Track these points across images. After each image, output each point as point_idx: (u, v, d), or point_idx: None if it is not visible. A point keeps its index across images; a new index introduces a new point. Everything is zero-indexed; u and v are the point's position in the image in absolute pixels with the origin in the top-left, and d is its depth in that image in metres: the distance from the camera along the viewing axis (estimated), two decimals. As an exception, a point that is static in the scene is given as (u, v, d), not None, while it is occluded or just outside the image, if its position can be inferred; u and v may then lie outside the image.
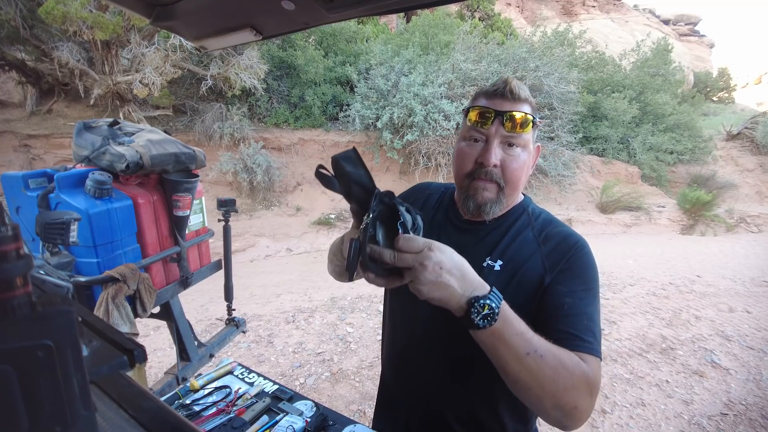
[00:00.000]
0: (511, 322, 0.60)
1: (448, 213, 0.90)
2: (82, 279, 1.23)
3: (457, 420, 0.83)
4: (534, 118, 0.76)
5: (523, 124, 0.75)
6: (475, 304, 0.57)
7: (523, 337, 0.60)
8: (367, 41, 10.58)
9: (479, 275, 0.77)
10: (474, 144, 0.79)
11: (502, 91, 0.76)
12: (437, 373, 0.84)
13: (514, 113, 0.75)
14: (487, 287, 0.60)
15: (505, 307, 0.60)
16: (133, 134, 1.50)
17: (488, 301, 0.58)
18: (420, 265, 0.56)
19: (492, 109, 0.76)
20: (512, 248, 0.79)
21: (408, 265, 0.57)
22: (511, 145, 0.77)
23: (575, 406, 0.61)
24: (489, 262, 0.79)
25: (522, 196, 0.89)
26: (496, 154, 0.76)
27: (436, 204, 0.94)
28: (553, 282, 0.74)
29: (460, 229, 0.85)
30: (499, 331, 0.58)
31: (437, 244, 0.58)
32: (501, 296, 0.60)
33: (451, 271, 0.58)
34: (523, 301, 0.75)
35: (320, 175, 0.65)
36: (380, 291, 3.47)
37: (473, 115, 0.78)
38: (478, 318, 0.57)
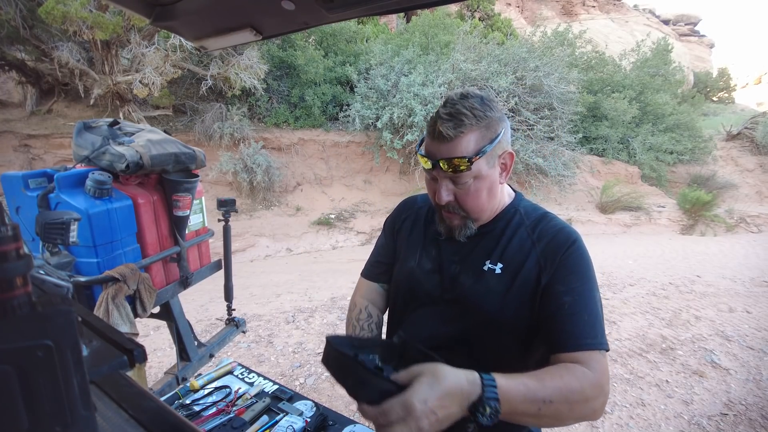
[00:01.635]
0: (513, 396, 0.59)
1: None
2: (82, 279, 1.23)
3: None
4: (471, 156, 0.73)
5: (461, 167, 0.74)
6: (477, 413, 0.57)
7: (529, 397, 0.61)
8: (367, 41, 10.58)
9: (481, 278, 0.81)
10: (431, 180, 0.83)
11: (434, 132, 0.76)
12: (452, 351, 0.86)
13: (446, 162, 0.75)
14: (478, 384, 0.57)
15: (503, 387, 0.59)
16: (133, 134, 1.50)
17: (486, 402, 0.57)
18: (416, 428, 0.53)
19: (428, 158, 0.77)
20: (509, 250, 0.81)
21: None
22: (458, 181, 0.78)
23: (592, 410, 0.66)
24: (489, 265, 0.82)
25: (512, 195, 0.90)
26: (446, 193, 0.79)
27: (426, 218, 0.97)
28: (551, 281, 0.76)
29: (455, 239, 0.87)
30: (507, 411, 0.59)
31: (411, 396, 0.54)
32: (494, 381, 0.58)
33: (443, 404, 0.55)
34: (526, 301, 0.78)
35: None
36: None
37: (420, 159, 0.81)
38: (485, 419, 0.57)
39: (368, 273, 1.06)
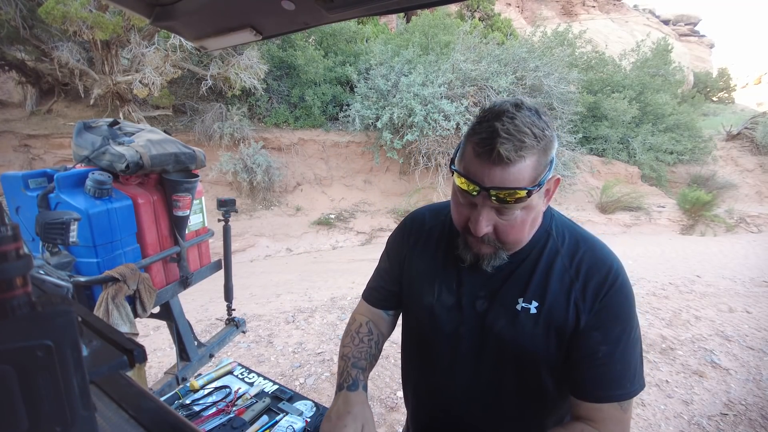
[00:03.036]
0: None
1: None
2: (82, 279, 1.23)
3: None
4: (530, 187, 0.62)
5: (517, 200, 0.62)
6: None
7: None
8: (367, 41, 10.58)
9: (516, 319, 0.73)
10: (464, 202, 0.69)
11: (490, 154, 0.61)
12: (473, 395, 0.82)
13: (500, 194, 0.62)
14: None
15: None
16: (133, 134, 1.50)
17: None
18: None
19: (475, 183, 0.63)
20: (546, 287, 0.71)
21: None
22: (504, 212, 0.66)
23: None
24: (523, 304, 0.72)
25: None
26: (486, 223, 0.66)
27: (438, 241, 0.83)
28: (588, 326, 0.68)
29: (476, 268, 0.74)
30: None
31: None
32: None
33: None
34: (564, 342, 0.71)
35: None
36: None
37: (458, 179, 0.66)
38: None
39: (370, 298, 0.96)
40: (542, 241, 0.74)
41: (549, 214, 0.77)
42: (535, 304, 0.71)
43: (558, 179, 0.70)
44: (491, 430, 0.82)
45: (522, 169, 0.61)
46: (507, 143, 0.59)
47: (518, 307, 0.72)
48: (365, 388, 0.82)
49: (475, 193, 0.64)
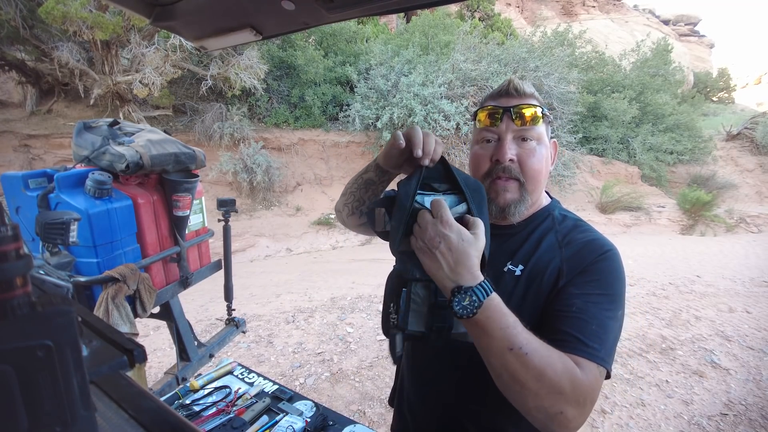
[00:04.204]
0: (498, 317, 0.58)
1: None
2: (82, 279, 1.23)
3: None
4: (543, 109, 0.77)
5: (534, 119, 0.75)
6: (458, 294, 0.58)
7: (508, 332, 0.58)
8: (367, 41, 10.58)
9: (499, 280, 0.75)
10: (487, 145, 0.79)
11: (507, 90, 0.78)
12: (459, 382, 0.82)
13: (522, 107, 0.75)
14: (479, 279, 0.59)
15: (494, 302, 0.59)
16: (133, 134, 1.50)
17: (471, 293, 0.57)
18: (431, 228, 0.60)
19: (499, 107, 0.76)
20: (533, 253, 0.76)
21: (423, 225, 0.61)
22: (525, 139, 0.77)
23: (560, 411, 0.58)
24: (510, 266, 0.77)
25: (548, 199, 0.87)
26: (510, 150, 0.76)
27: None
28: (567, 284, 0.71)
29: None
30: (481, 323, 0.58)
31: (466, 227, 0.61)
32: (491, 290, 0.59)
33: (445, 252, 0.59)
34: (540, 306, 0.73)
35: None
36: (380, 291, 3.47)
37: (482, 116, 0.78)
38: (458, 306, 0.58)
39: None
40: (541, 218, 0.81)
41: (555, 203, 0.87)
42: (520, 267, 0.76)
43: (555, 142, 0.84)
44: (464, 395, 0.83)
45: (533, 100, 0.77)
46: (520, 83, 0.78)
47: (505, 269, 0.77)
48: None
49: (498, 117, 0.76)
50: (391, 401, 1.02)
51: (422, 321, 0.64)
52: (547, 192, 0.87)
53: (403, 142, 0.68)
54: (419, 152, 0.66)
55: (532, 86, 0.79)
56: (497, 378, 0.62)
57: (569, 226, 0.79)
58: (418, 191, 0.64)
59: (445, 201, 0.62)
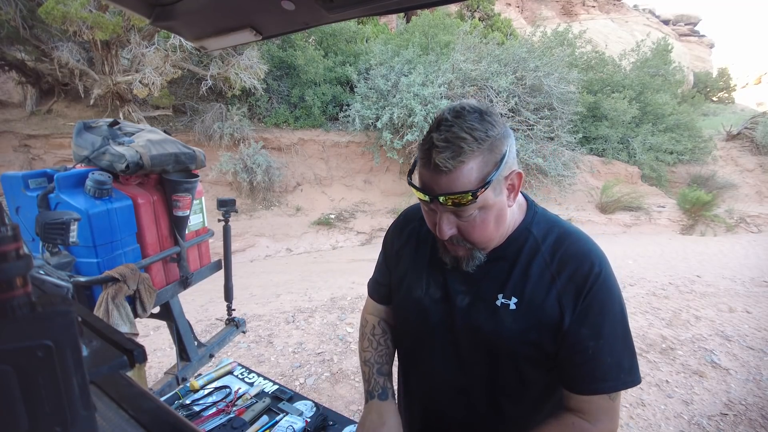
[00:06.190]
0: None
1: None
2: (82, 279, 1.23)
3: None
4: (475, 189, 0.63)
5: (464, 201, 0.64)
6: None
7: None
8: (367, 41, 10.58)
9: (495, 314, 0.74)
10: (429, 210, 0.73)
11: (431, 165, 0.65)
12: (469, 403, 0.83)
13: (447, 199, 0.65)
14: None
15: None
16: (133, 134, 1.50)
17: None
18: None
19: (426, 191, 0.67)
20: (525, 284, 0.73)
21: None
22: (461, 215, 0.68)
23: None
24: (503, 300, 0.74)
25: (523, 207, 0.79)
26: (448, 227, 0.69)
27: (426, 238, 0.86)
28: (574, 323, 0.69)
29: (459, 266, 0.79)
30: None
31: None
32: None
33: None
34: (547, 338, 0.72)
35: None
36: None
37: (414, 190, 0.70)
38: None
39: (375, 294, 1.01)
40: (521, 239, 0.76)
41: (532, 211, 0.78)
42: (514, 300, 0.73)
43: (519, 173, 0.70)
44: (473, 421, 0.84)
45: (465, 174, 0.64)
46: (444, 152, 0.63)
47: (498, 302, 0.74)
48: (394, 396, 0.89)
49: (427, 200, 0.68)
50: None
51: None
52: (522, 193, 0.80)
53: None
54: None
55: (465, 139, 0.63)
56: None
57: (553, 244, 0.74)
58: None
59: None
